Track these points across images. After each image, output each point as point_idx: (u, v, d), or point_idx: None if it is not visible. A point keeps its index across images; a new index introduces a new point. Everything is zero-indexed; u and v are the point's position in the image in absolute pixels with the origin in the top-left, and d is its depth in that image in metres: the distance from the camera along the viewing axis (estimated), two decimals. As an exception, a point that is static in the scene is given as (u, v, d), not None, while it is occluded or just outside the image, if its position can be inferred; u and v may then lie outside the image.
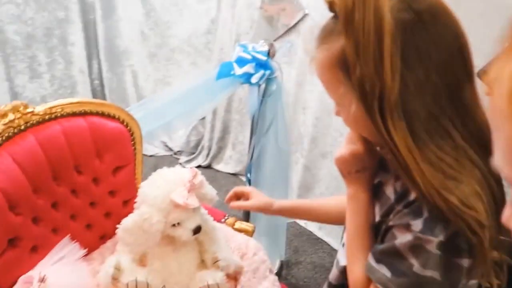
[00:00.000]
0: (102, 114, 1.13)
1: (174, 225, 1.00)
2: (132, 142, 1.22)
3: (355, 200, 0.68)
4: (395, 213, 0.59)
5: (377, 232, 0.65)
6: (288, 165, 1.65)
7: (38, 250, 1.00)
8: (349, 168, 0.68)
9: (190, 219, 1.00)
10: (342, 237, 0.85)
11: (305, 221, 2.20)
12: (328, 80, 0.59)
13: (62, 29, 2.69)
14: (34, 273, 0.91)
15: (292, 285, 1.88)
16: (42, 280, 0.88)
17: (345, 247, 0.71)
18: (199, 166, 2.84)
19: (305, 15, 1.99)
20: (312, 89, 2.06)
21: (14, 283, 0.91)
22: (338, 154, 0.69)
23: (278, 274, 1.93)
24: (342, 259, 0.75)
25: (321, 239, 2.19)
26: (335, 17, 0.55)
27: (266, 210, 1.03)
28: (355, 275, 0.66)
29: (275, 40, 1.97)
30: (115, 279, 0.99)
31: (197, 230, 1.01)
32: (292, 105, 2.18)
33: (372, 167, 0.68)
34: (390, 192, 0.63)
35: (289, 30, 2.08)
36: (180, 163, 2.83)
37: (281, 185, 1.72)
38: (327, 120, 1.99)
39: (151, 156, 2.90)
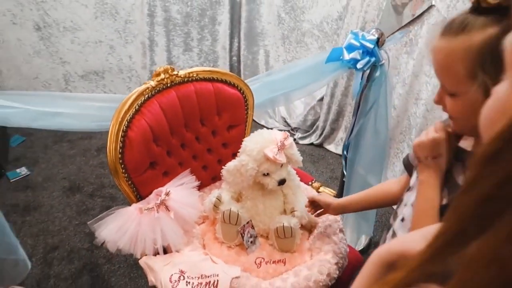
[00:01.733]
0: (225, 82, 1.43)
1: (264, 174, 1.25)
2: (246, 107, 1.50)
3: (426, 185, 0.74)
4: None
5: (443, 212, 0.72)
6: (384, 148, 1.74)
7: (168, 175, 1.36)
8: (427, 153, 0.74)
9: (277, 172, 1.24)
10: (396, 213, 0.91)
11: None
12: (453, 67, 0.62)
13: (213, 10, 3.14)
14: (163, 189, 1.26)
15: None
16: (167, 194, 1.23)
17: (411, 225, 0.78)
18: (311, 144, 3.06)
19: (431, 6, 1.99)
20: (427, 81, 2.05)
21: (150, 193, 1.29)
22: (418, 140, 0.76)
23: (365, 250, 2.05)
24: (400, 232, 0.84)
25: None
26: (477, 12, 0.60)
27: (327, 210, 1.19)
28: None
29: (398, 30, 2.02)
30: (216, 206, 1.29)
31: (281, 182, 1.25)
32: (406, 95, 2.21)
33: (447, 155, 0.74)
34: (461, 180, 0.70)
35: (414, 20, 2.10)
36: (295, 139, 3.08)
37: (376, 167, 1.82)
38: (438, 112, 1.98)
39: (271, 128, 3.22)
